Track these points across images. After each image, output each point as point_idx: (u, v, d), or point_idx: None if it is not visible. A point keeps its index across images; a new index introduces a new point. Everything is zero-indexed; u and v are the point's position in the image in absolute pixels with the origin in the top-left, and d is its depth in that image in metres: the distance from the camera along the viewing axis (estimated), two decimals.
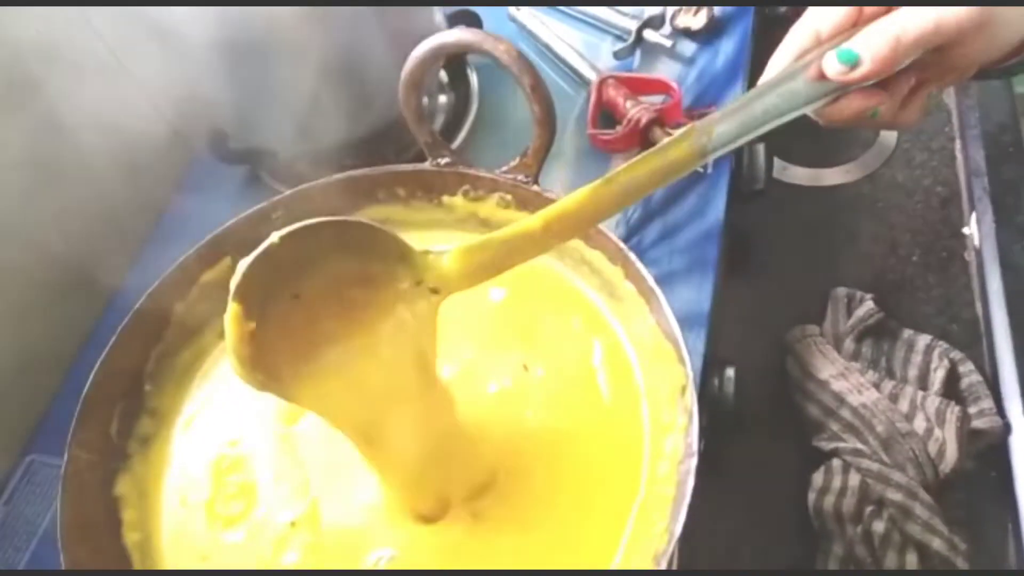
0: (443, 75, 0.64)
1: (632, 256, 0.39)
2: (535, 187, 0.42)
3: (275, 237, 0.31)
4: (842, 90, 0.35)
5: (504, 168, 0.43)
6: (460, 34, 0.38)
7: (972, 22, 0.33)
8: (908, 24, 0.34)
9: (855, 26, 0.35)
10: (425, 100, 0.64)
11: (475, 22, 0.64)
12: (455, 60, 0.65)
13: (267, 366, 0.31)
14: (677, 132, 0.34)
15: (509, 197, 0.43)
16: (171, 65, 0.54)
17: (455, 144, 0.62)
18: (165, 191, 0.65)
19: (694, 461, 0.33)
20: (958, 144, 0.65)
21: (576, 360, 0.41)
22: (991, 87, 0.65)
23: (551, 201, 0.41)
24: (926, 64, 0.36)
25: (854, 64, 0.34)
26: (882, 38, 0.34)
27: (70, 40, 0.59)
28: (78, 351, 0.56)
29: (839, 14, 0.35)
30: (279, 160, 0.62)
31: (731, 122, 0.34)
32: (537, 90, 0.38)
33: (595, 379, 0.40)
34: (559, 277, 0.44)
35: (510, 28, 0.68)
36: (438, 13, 0.59)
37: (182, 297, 0.42)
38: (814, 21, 0.36)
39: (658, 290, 0.37)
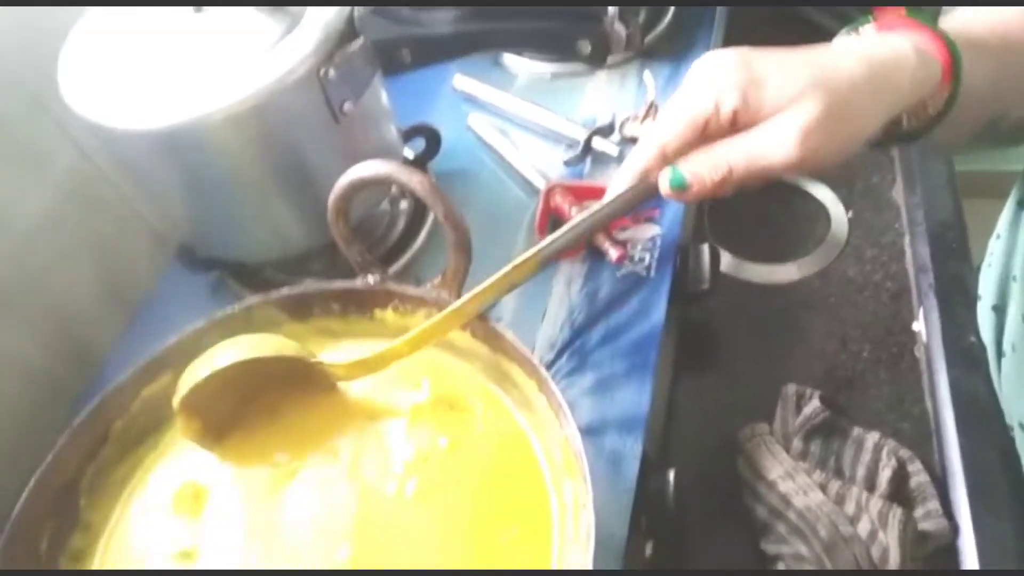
0: None
1: (543, 371, 0.40)
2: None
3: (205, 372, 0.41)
4: None
5: (428, 286, 0.45)
6: (377, 167, 0.41)
7: (801, 162, 0.35)
8: (739, 160, 0.36)
9: (702, 141, 0.37)
10: (387, 206, 0.68)
11: (432, 135, 0.67)
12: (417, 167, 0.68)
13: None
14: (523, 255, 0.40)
15: (435, 311, 0.45)
16: (135, 182, 0.58)
17: (415, 246, 0.65)
18: (143, 290, 0.68)
19: None
20: (907, 239, 0.67)
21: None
22: (935, 185, 0.67)
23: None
24: None
25: (684, 188, 0.36)
26: (713, 168, 0.36)
27: (35, 134, 0.63)
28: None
29: (682, 131, 0.37)
30: (247, 267, 0.65)
31: (566, 236, 0.39)
32: (449, 218, 0.41)
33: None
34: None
35: (468, 137, 0.72)
36: (393, 128, 0.62)
37: (122, 413, 0.44)
38: (659, 138, 0.38)
39: (565, 406, 0.38)
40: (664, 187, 0.36)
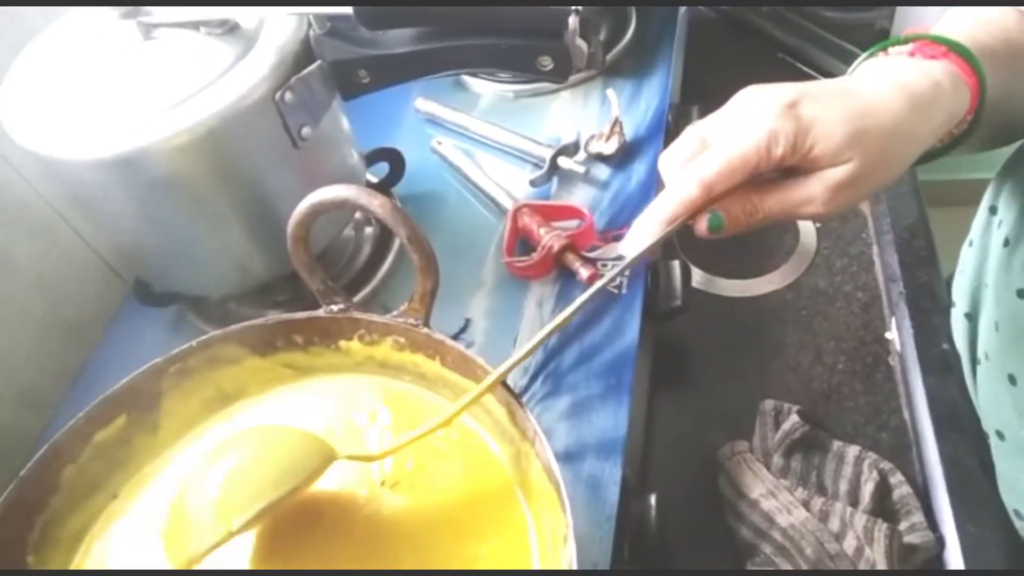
0: None
1: (516, 400, 0.38)
2: (425, 330, 0.42)
3: None
4: None
5: (395, 312, 0.43)
6: (337, 191, 0.40)
7: (828, 215, 0.38)
8: (773, 208, 0.38)
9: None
10: (352, 231, 0.66)
11: (396, 158, 0.66)
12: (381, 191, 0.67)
13: None
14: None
15: (403, 340, 0.43)
16: (85, 215, 0.56)
17: (382, 272, 0.63)
18: (97, 329, 0.65)
19: None
20: (875, 249, 0.67)
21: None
22: (900, 193, 0.67)
23: (440, 342, 0.42)
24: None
25: (720, 230, 0.37)
26: (749, 214, 0.38)
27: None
28: None
29: (732, 174, 0.38)
30: (208, 301, 0.63)
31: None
32: (413, 241, 0.39)
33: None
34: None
35: (432, 159, 0.70)
36: (355, 153, 0.61)
37: (73, 460, 0.42)
38: (704, 177, 0.38)
39: (541, 434, 0.37)
40: (702, 229, 0.37)
